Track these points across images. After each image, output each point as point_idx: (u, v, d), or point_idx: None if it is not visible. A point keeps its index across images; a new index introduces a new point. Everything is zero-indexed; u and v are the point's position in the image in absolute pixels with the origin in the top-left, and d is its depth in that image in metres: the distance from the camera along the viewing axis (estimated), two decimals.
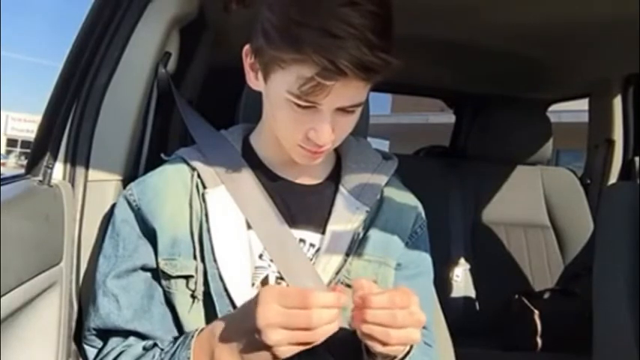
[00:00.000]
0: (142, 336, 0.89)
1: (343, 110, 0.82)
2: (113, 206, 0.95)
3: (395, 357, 0.82)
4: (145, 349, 0.86)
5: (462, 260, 2.12)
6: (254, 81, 0.88)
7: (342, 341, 0.88)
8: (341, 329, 0.87)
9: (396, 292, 0.76)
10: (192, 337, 0.81)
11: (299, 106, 0.80)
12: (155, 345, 0.86)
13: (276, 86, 0.82)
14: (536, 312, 1.90)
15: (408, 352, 0.83)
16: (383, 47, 0.76)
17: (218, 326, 0.80)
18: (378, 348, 0.76)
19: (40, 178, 0.96)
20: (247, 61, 0.87)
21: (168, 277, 0.88)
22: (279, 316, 0.71)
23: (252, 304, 0.74)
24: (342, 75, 0.75)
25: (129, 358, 0.86)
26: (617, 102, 2.09)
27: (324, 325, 0.72)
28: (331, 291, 0.76)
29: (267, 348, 0.73)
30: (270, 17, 0.79)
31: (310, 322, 0.71)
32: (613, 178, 2.12)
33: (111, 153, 1.07)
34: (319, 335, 0.72)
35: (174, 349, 0.82)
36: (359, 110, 0.85)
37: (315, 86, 0.76)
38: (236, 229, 0.90)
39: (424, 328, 0.90)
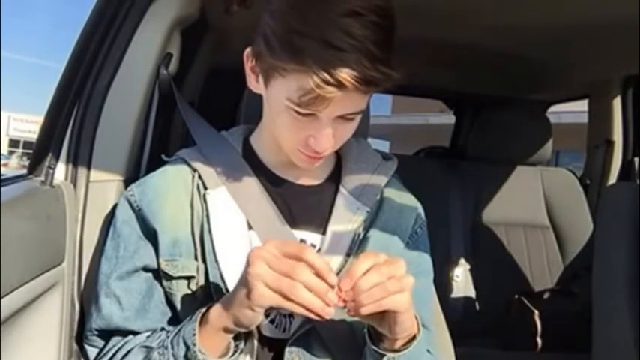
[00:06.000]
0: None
1: (343, 118, 0.82)
2: (115, 207, 0.96)
3: (399, 347, 0.82)
4: (149, 336, 0.87)
5: (462, 260, 2.13)
6: (254, 84, 0.88)
7: (343, 341, 0.89)
8: (341, 328, 0.88)
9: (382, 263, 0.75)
10: (200, 312, 0.81)
11: (299, 113, 0.80)
12: (162, 329, 0.87)
13: (276, 92, 0.81)
14: (536, 312, 1.90)
15: (412, 341, 0.83)
16: (384, 60, 0.75)
17: (219, 299, 0.82)
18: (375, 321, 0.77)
19: (43, 178, 0.96)
20: (248, 64, 0.87)
21: (170, 277, 0.89)
22: (269, 254, 0.72)
23: None
24: (343, 88, 0.74)
25: (132, 344, 0.87)
26: (617, 103, 2.09)
27: (304, 282, 0.71)
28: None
29: (249, 292, 0.73)
30: (271, 24, 0.78)
31: (292, 269, 0.71)
32: (612, 179, 2.13)
33: (112, 154, 1.08)
34: (296, 291, 0.71)
35: (180, 326, 0.83)
36: (359, 116, 0.85)
37: (315, 97, 0.76)
38: (237, 229, 0.91)
39: (424, 326, 0.90)
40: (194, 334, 0.79)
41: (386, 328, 0.79)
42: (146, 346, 0.85)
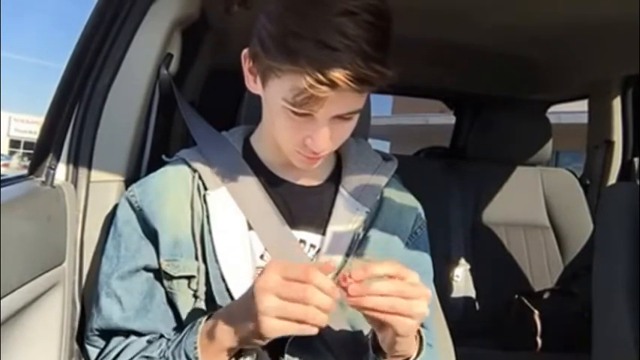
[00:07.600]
0: (143, 335, 0.89)
1: (340, 117, 0.82)
2: (115, 207, 0.96)
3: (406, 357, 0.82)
4: (149, 342, 0.87)
5: (462, 260, 2.13)
6: (253, 84, 0.88)
7: (344, 342, 0.89)
8: (342, 330, 0.88)
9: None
10: (201, 323, 0.81)
11: (295, 113, 0.80)
12: (161, 336, 0.87)
13: (273, 93, 0.82)
14: (536, 312, 1.90)
15: (419, 354, 0.83)
16: (378, 59, 0.75)
17: (223, 311, 0.81)
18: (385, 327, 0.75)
19: (43, 179, 0.96)
20: (246, 64, 0.87)
21: (170, 277, 0.89)
22: (275, 283, 0.70)
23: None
24: (336, 87, 0.74)
25: (132, 351, 0.87)
26: (617, 103, 2.09)
27: (317, 305, 0.69)
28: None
29: (258, 326, 0.71)
30: (267, 25, 0.79)
31: (304, 294, 0.68)
32: (612, 179, 2.13)
33: (113, 154, 1.08)
34: (312, 315, 0.69)
35: (181, 336, 0.82)
36: (356, 116, 0.85)
37: (309, 97, 0.76)
38: (237, 229, 0.91)
39: (423, 326, 0.90)
40: (195, 348, 0.78)
41: (381, 338, 0.79)
42: (146, 357, 0.84)
